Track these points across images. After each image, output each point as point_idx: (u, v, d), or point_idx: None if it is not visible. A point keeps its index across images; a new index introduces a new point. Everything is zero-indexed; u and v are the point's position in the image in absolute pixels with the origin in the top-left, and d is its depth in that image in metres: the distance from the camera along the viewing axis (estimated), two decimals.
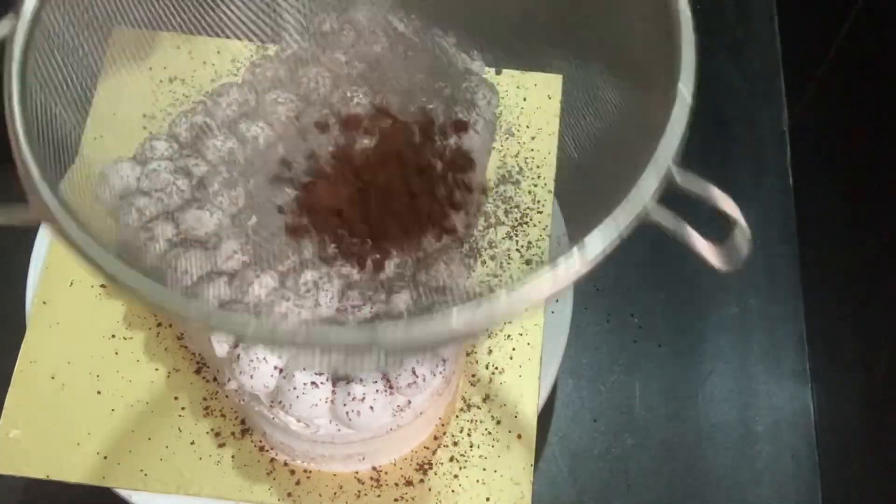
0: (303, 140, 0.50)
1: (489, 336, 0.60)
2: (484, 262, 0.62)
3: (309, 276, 0.49)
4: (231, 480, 0.56)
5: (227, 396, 0.57)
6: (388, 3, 0.54)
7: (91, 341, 0.60)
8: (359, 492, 0.55)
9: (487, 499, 0.55)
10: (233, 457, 0.56)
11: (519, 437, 0.57)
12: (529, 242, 0.63)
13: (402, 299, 0.45)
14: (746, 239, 0.35)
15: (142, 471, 0.56)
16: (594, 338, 0.83)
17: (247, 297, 0.49)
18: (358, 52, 0.55)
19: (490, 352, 0.59)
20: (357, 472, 0.56)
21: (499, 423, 0.57)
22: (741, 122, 0.94)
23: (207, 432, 0.57)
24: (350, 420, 0.47)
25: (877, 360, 0.71)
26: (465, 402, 0.58)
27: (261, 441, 0.56)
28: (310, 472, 0.56)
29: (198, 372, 0.59)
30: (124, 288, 0.33)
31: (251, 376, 0.47)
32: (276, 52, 0.55)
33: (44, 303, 0.61)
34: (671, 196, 0.38)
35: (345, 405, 0.47)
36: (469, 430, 0.57)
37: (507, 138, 0.67)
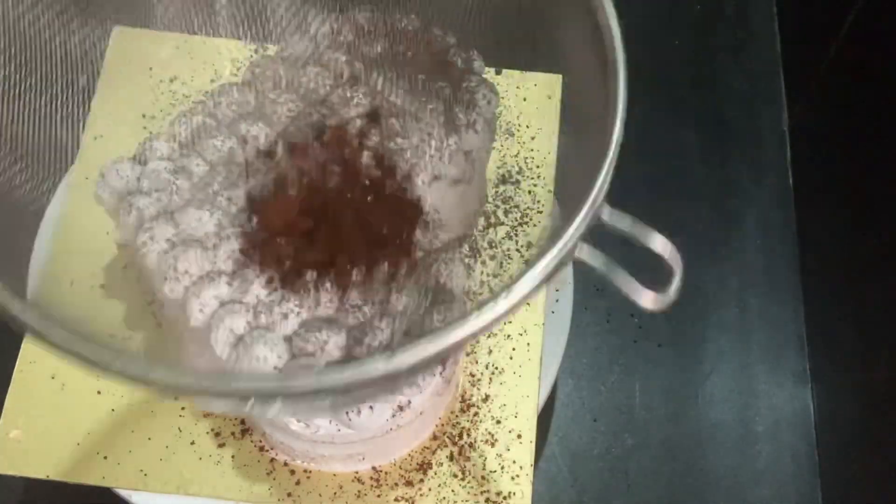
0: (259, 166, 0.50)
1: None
2: (484, 262, 0.62)
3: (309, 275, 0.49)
4: (231, 480, 0.56)
5: None
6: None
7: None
8: (359, 492, 0.55)
9: (487, 499, 0.55)
10: (233, 457, 0.56)
11: (519, 437, 0.57)
12: (529, 242, 0.63)
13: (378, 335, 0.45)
14: (677, 284, 0.36)
15: (142, 471, 0.56)
16: (594, 338, 0.83)
17: (246, 298, 0.49)
18: (358, 52, 0.55)
19: (490, 352, 0.59)
20: (357, 472, 0.56)
21: (499, 423, 0.57)
22: (741, 122, 0.94)
23: (207, 432, 0.57)
24: (350, 420, 0.47)
25: (877, 360, 0.71)
26: (465, 402, 0.58)
27: (261, 441, 0.56)
28: (310, 472, 0.56)
29: None
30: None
31: None
32: (276, 52, 0.55)
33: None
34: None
35: (345, 405, 0.47)
36: (469, 430, 0.57)
37: (507, 138, 0.67)
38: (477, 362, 0.59)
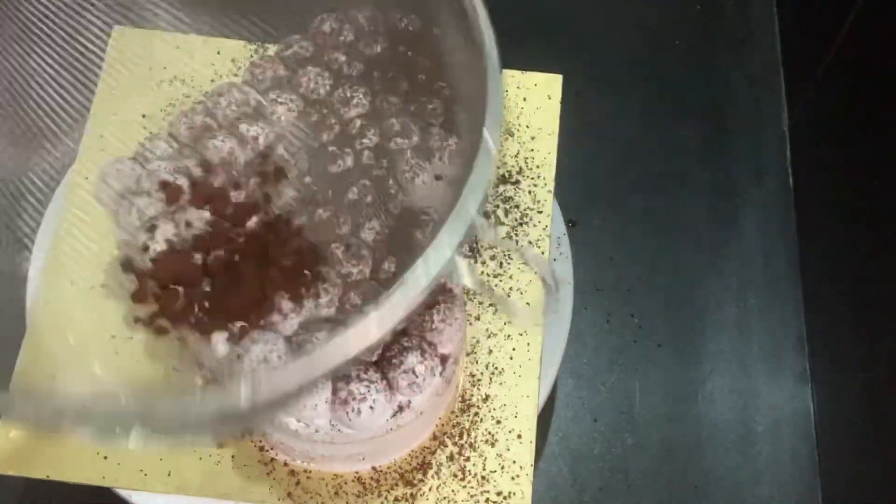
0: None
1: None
2: (484, 262, 0.62)
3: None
4: (231, 480, 0.56)
5: None
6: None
7: (91, 341, 0.60)
8: (359, 492, 0.56)
9: (487, 499, 0.55)
10: (233, 457, 0.56)
11: (519, 437, 0.57)
12: (529, 242, 0.63)
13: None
14: (554, 295, 0.35)
15: (142, 471, 0.56)
16: (594, 338, 0.83)
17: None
18: (358, 52, 0.55)
19: (490, 352, 0.59)
20: (357, 472, 0.56)
21: (499, 423, 0.57)
22: (741, 122, 0.95)
23: None
24: (350, 420, 0.47)
25: (877, 360, 0.71)
26: (465, 402, 0.58)
27: (261, 441, 0.56)
28: (310, 472, 0.56)
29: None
30: None
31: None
32: (276, 52, 0.55)
33: (44, 302, 0.61)
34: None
35: (345, 405, 0.47)
36: (469, 430, 0.57)
37: (507, 138, 0.67)
38: (477, 362, 0.59)
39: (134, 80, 0.61)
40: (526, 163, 0.66)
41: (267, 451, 0.56)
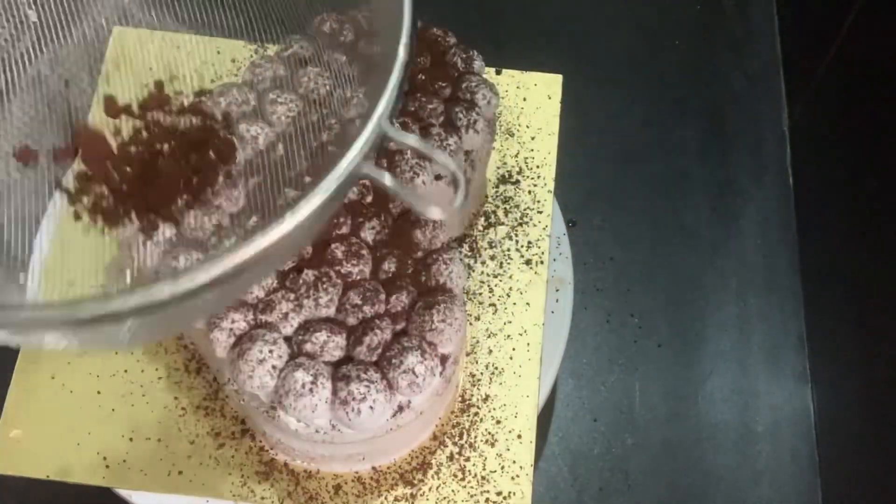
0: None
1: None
2: (484, 263, 0.62)
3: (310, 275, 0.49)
4: (231, 480, 0.56)
5: (226, 396, 0.57)
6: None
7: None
8: (359, 492, 0.56)
9: (487, 499, 0.55)
10: (232, 457, 0.56)
11: (519, 437, 0.57)
12: (529, 242, 0.63)
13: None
14: (461, 197, 0.37)
15: (142, 471, 0.56)
16: (594, 338, 0.83)
17: (246, 296, 0.49)
18: (358, 52, 0.55)
19: (490, 352, 0.59)
20: (357, 472, 0.56)
21: (499, 423, 0.57)
22: (741, 122, 0.95)
23: (207, 432, 0.57)
24: (350, 420, 0.47)
25: (877, 360, 0.71)
26: (465, 402, 0.58)
27: (261, 441, 0.56)
28: (310, 472, 0.56)
29: (198, 372, 0.59)
30: None
31: (250, 376, 0.47)
32: (276, 52, 0.55)
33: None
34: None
35: (345, 405, 0.47)
36: (469, 430, 0.57)
37: (506, 138, 0.67)
38: (477, 362, 0.59)
39: (134, 80, 0.61)
40: (526, 163, 0.66)
41: (267, 450, 0.56)
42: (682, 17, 1.01)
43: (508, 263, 0.62)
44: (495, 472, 0.56)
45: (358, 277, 0.50)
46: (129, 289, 0.32)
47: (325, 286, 0.49)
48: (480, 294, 0.61)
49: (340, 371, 0.48)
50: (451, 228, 0.59)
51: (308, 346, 0.48)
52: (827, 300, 0.82)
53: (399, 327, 0.49)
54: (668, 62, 0.98)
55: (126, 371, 0.59)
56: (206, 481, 0.56)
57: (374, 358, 0.48)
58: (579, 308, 0.84)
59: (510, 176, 0.65)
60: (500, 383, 0.59)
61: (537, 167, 0.66)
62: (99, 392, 0.58)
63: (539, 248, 0.63)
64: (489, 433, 0.57)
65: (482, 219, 0.64)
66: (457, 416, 0.58)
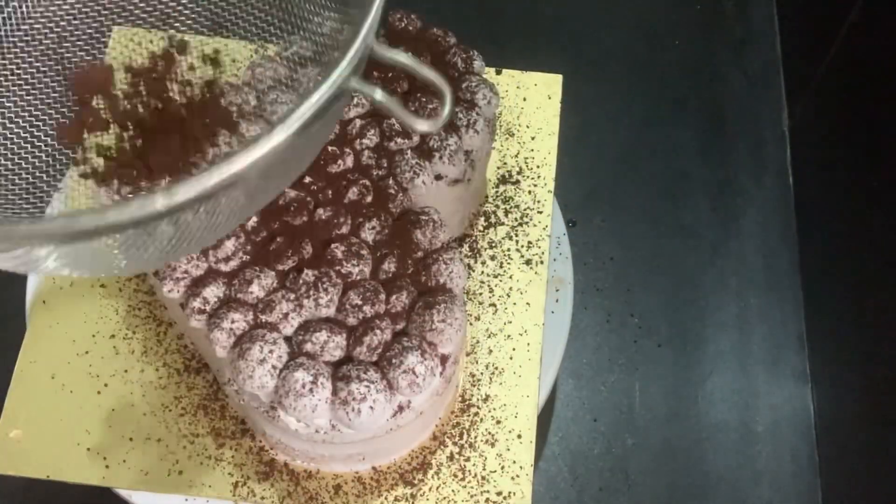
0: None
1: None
2: (484, 263, 0.62)
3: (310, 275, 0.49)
4: (231, 480, 0.56)
5: (226, 396, 0.57)
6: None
7: (91, 341, 0.60)
8: (359, 492, 0.55)
9: (487, 499, 0.55)
10: (232, 457, 0.56)
11: (519, 437, 0.57)
12: (529, 242, 0.63)
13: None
14: (447, 105, 0.38)
15: (142, 471, 0.56)
16: (594, 338, 0.83)
17: (246, 296, 0.49)
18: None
19: (490, 352, 0.59)
20: (357, 472, 0.56)
21: (499, 423, 0.57)
22: (741, 122, 0.95)
23: (207, 432, 0.57)
24: (350, 420, 0.47)
25: (877, 360, 0.71)
26: (465, 402, 0.58)
27: (261, 441, 0.56)
28: (310, 472, 0.56)
29: (198, 372, 0.59)
30: None
31: (250, 376, 0.47)
32: (276, 51, 0.55)
33: (44, 302, 0.61)
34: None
35: (345, 405, 0.47)
36: (469, 430, 0.57)
37: (507, 138, 0.67)
38: (477, 362, 0.59)
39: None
40: (526, 163, 0.66)
41: (267, 450, 0.56)
42: (682, 17, 1.01)
43: (508, 263, 0.62)
44: (495, 472, 0.56)
45: (358, 277, 0.50)
46: (125, 202, 0.32)
47: (325, 286, 0.49)
48: (480, 294, 0.61)
49: (340, 371, 0.48)
50: (451, 228, 0.59)
51: (308, 346, 0.48)
52: (827, 300, 0.82)
53: (399, 327, 0.49)
54: (668, 62, 0.98)
55: (126, 371, 0.59)
56: (206, 481, 0.56)
57: (374, 358, 0.48)
58: (579, 308, 0.84)
59: (510, 176, 0.65)
60: (500, 383, 0.59)
61: (537, 167, 0.66)
62: (99, 392, 0.58)
63: (539, 248, 0.63)
64: (489, 433, 0.57)
65: (482, 219, 0.64)
66: (457, 416, 0.58)
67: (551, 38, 0.99)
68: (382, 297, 0.50)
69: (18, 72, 0.47)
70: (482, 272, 0.62)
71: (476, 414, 0.58)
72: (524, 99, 0.68)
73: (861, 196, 0.77)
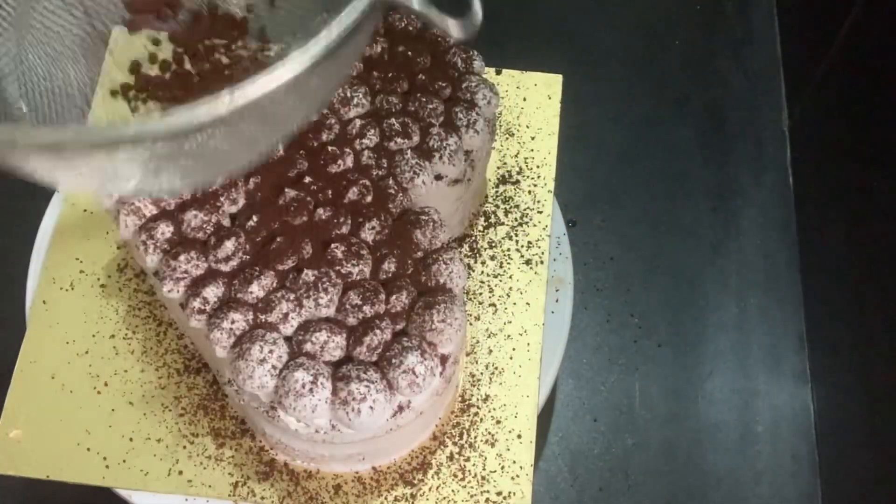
0: None
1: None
2: (484, 262, 0.62)
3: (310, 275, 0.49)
4: (231, 480, 0.56)
5: (226, 396, 0.57)
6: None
7: (91, 341, 0.60)
8: (359, 492, 0.55)
9: (487, 499, 0.55)
10: (232, 457, 0.56)
11: (519, 437, 0.57)
12: (529, 242, 0.63)
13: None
14: (478, 11, 0.38)
15: (142, 471, 0.56)
16: (594, 338, 0.83)
17: (246, 296, 0.49)
18: None
19: (490, 352, 0.59)
20: (357, 472, 0.56)
21: (499, 423, 0.57)
22: (741, 122, 0.95)
23: (207, 432, 0.57)
24: (350, 420, 0.47)
25: (877, 360, 0.71)
26: (465, 402, 0.58)
27: (261, 441, 0.56)
28: (310, 472, 0.56)
29: (198, 372, 0.59)
30: None
31: (250, 376, 0.47)
32: (276, 51, 0.55)
33: (44, 302, 0.61)
34: None
35: (345, 405, 0.47)
36: (469, 430, 0.57)
37: (506, 138, 0.67)
38: (477, 362, 0.59)
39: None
40: (526, 163, 0.66)
41: (267, 450, 0.56)
42: (682, 17, 1.01)
43: (508, 263, 0.62)
44: (495, 472, 0.56)
45: (358, 277, 0.50)
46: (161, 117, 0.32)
47: (325, 286, 0.49)
48: (480, 294, 0.61)
49: (340, 371, 0.48)
50: (451, 228, 0.59)
51: (308, 346, 0.48)
52: (827, 300, 0.82)
53: (399, 327, 0.49)
54: (668, 62, 0.98)
55: (126, 371, 0.59)
56: (206, 481, 0.56)
57: (374, 358, 0.48)
58: (579, 308, 0.84)
59: (510, 176, 0.65)
60: (500, 383, 0.59)
61: (537, 167, 0.66)
62: (99, 392, 0.58)
63: (539, 248, 0.63)
64: (489, 433, 0.57)
65: (482, 219, 0.64)
66: (457, 416, 0.58)
67: (551, 38, 0.99)
68: (382, 297, 0.50)
69: None
70: (482, 272, 0.62)
71: (476, 414, 0.58)
72: (524, 99, 0.68)
73: (861, 196, 0.77)
